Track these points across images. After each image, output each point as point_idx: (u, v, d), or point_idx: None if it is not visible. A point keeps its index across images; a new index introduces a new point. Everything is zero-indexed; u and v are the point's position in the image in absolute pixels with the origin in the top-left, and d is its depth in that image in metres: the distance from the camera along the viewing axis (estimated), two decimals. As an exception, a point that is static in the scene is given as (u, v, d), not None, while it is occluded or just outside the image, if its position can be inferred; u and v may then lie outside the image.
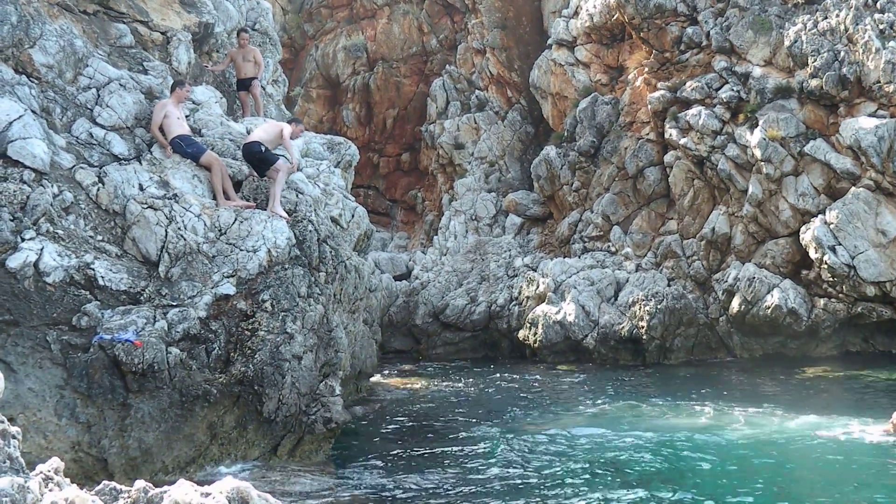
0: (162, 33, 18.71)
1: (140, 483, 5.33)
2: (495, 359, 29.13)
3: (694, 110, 27.79)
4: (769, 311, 25.62)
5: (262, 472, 13.29)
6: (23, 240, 12.70)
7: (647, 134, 29.72)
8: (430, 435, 17.24)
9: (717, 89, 27.73)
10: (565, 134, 31.99)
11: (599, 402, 20.46)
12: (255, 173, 16.08)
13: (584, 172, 31.04)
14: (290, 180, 16.43)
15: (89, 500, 5.22)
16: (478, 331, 29.95)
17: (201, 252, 14.07)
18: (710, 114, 27.43)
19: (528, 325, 28.08)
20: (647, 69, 29.81)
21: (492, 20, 36.46)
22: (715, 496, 12.40)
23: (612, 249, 29.75)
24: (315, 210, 15.85)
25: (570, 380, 24.08)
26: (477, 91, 36.48)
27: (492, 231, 33.19)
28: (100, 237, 13.71)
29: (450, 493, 12.78)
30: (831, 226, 24.69)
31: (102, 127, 15.46)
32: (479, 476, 13.83)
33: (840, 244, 24.56)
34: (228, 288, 13.72)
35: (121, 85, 16.03)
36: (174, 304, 13.31)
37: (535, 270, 29.83)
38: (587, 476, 13.73)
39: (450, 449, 15.71)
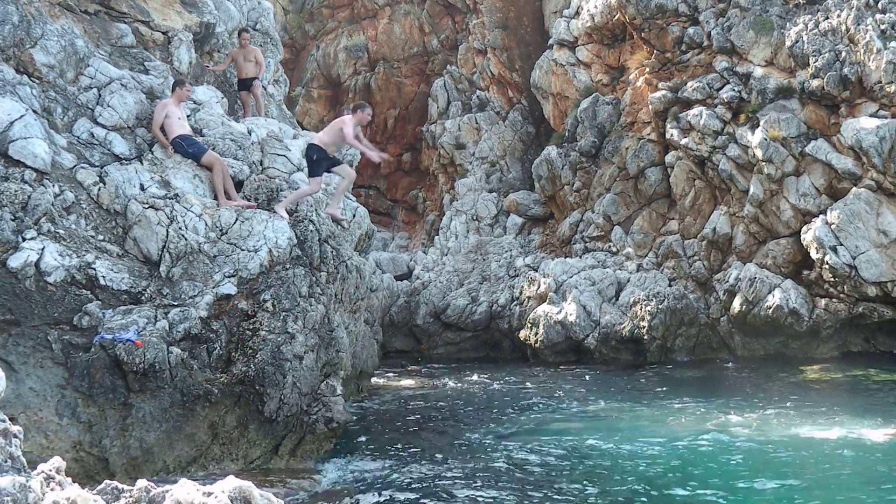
0: (163, 33, 18.72)
1: (142, 482, 5.33)
2: (496, 359, 29.12)
3: (695, 110, 27.78)
4: (770, 311, 25.61)
5: (265, 472, 13.31)
6: (24, 239, 12.72)
7: (649, 134, 29.71)
8: (430, 435, 17.25)
9: (719, 89, 27.73)
10: (566, 134, 31.98)
11: (600, 402, 20.47)
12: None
13: (585, 172, 31.03)
14: (291, 180, 16.44)
15: (91, 500, 5.22)
16: (479, 331, 29.94)
17: (202, 252, 14.08)
18: (712, 114, 27.42)
19: (530, 325, 28.07)
20: (648, 69, 29.82)
21: (493, 20, 36.44)
22: (719, 499, 12.40)
23: (614, 249, 29.75)
24: (316, 210, 15.86)
25: (571, 380, 24.08)
26: (478, 91, 36.48)
27: (493, 231, 33.19)
28: (101, 237, 13.73)
29: (449, 492, 12.78)
30: (832, 226, 24.69)
31: (104, 127, 15.48)
32: (479, 476, 13.84)
33: (841, 244, 24.56)
34: (229, 288, 13.72)
35: (122, 85, 16.05)
36: (175, 303, 13.31)
37: (536, 270, 29.82)
38: (586, 479, 13.73)
39: (450, 449, 15.72)
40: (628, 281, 28.15)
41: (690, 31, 28.42)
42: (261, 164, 16.72)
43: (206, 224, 14.45)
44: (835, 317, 25.36)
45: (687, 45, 28.64)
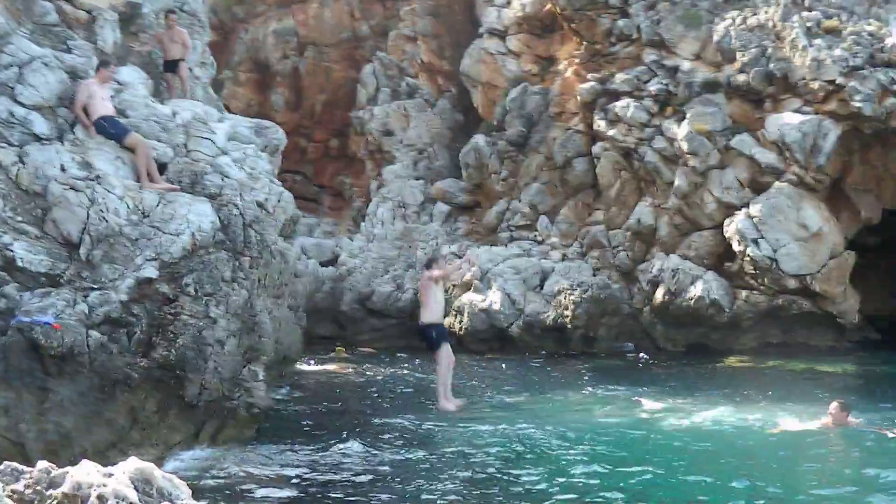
0: (87, 12, 18.36)
1: (42, 463, 5.26)
2: (421, 347, 29.08)
3: (623, 102, 27.97)
4: (692, 302, 25.90)
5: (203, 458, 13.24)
6: (-60, 219, 12.47)
7: (576, 125, 29.87)
8: (353, 421, 17.22)
9: (646, 82, 27.96)
10: (495, 123, 32.05)
11: (521, 390, 20.57)
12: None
13: (512, 161, 31.12)
14: (216, 164, 16.28)
15: (-13, 481, 5.15)
16: (404, 318, 29.93)
17: (124, 235, 13.89)
18: (639, 106, 27.63)
19: (454, 312, 28.11)
20: (577, 60, 29.98)
21: (424, 7, 36.39)
22: (638, 490, 12.49)
23: (539, 239, 29.88)
24: (240, 194, 15.70)
25: (493, 368, 24.18)
26: (407, 78, 36.39)
27: (419, 218, 33.18)
28: (19, 218, 13.48)
29: (371, 477, 12.76)
30: (755, 219, 25.03)
31: (24, 106, 15.16)
32: (403, 462, 13.83)
33: (763, 237, 24.91)
34: (151, 271, 13.56)
35: (44, 63, 15.73)
36: (95, 286, 13.13)
37: (461, 258, 29.84)
38: (511, 464, 13.77)
39: (374, 435, 15.69)
40: (553, 270, 28.29)
41: (620, 23, 28.61)
42: (185, 147, 16.49)
43: (128, 206, 14.25)
44: (755, 308, 25.72)
45: (616, 38, 28.85)
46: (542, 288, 27.93)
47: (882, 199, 25.96)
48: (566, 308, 26.89)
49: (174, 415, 13.38)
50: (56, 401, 12.24)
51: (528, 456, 14.25)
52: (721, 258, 26.42)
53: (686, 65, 27.34)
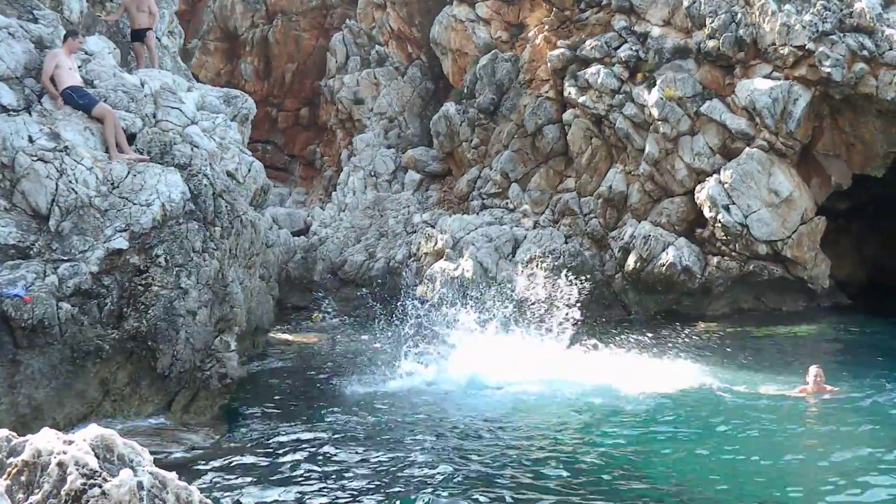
0: (53, -20, 18.21)
1: (3, 432, 5.25)
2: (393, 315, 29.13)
3: (593, 69, 27.93)
4: (664, 268, 25.96)
5: (157, 427, 13.20)
6: None
7: (547, 92, 29.81)
8: (326, 390, 17.29)
9: (616, 48, 27.93)
10: (465, 91, 31.96)
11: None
12: None
13: (483, 129, 31.07)
14: (185, 133, 16.18)
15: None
16: (376, 287, 29.91)
17: (93, 206, 13.81)
18: (609, 73, 27.60)
19: (427, 281, 28.11)
20: (547, 27, 29.90)
21: (393, -26, 36.23)
22: (616, 457, 12.58)
23: (511, 206, 29.88)
24: (210, 164, 15.62)
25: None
26: (377, 46, 36.27)
27: (391, 187, 33.13)
28: (-13, 190, 13.38)
29: (343, 446, 12.80)
30: (725, 185, 25.09)
31: (-10, 76, 15.03)
32: (376, 429, 13.89)
33: (734, 203, 24.98)
34: (121, 242, 13.49)
35: (9, 34, 15.56)
36: (65, 258, 13.06)
37: (433, 227, 29.85)
38: (481, 430, 13.84)
39: (345, 404, 15.74)
40: (525, 237, 28.30)
41: (589, -11, 28.57)
42: (154, 117, 16.38)
43: (97, 177, 14.16)
44: (726, 274, 25.82)
45: (586, 4, 28.82)
46: (514, 255, 27.94)
47: (852, 165, 26.04)
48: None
49: (146, 386, 13.37)
50: (27, 373, 12.20)
51: (497, 421, 14.33)
52: (692, 224, 26.48)
53: (656, 31, 27.34)
